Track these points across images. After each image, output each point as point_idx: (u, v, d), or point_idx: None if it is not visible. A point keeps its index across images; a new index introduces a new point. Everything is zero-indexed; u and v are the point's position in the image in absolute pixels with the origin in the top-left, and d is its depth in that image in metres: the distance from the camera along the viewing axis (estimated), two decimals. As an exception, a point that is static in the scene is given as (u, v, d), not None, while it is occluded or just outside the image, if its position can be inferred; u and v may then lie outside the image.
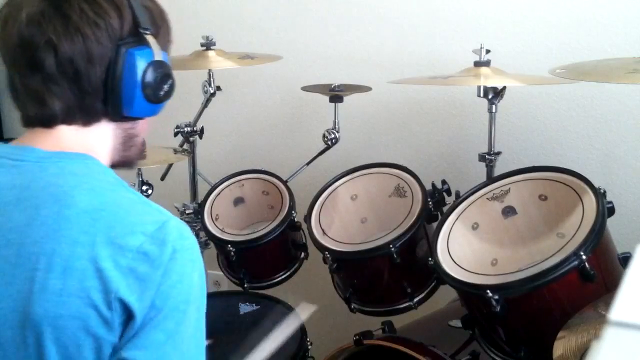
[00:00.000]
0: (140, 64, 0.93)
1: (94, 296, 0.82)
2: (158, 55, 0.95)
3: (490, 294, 1.23)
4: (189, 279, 0.88)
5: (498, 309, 1.23)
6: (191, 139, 1.99)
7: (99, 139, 0.96)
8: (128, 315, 0.84)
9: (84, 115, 0.93)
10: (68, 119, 0.93)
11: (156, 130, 2.37)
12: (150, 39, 0.94)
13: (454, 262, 1.38)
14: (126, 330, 0.85)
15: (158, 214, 0.89)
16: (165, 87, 0.97)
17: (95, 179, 0.91)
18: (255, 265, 1.82)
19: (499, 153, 1.65)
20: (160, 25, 0.99)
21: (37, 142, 0.93)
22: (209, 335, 1.37)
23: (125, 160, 1.03)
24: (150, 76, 0.94)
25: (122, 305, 0.83)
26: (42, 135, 0.93)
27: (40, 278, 0.83)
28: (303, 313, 1.47)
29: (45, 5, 0.89)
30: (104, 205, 0.87)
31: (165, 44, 1.00)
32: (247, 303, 1.78)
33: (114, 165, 1.00)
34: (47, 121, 0.93)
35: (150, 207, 0.90)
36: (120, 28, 0.91)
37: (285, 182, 1.86)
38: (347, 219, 1.74)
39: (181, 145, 2.00)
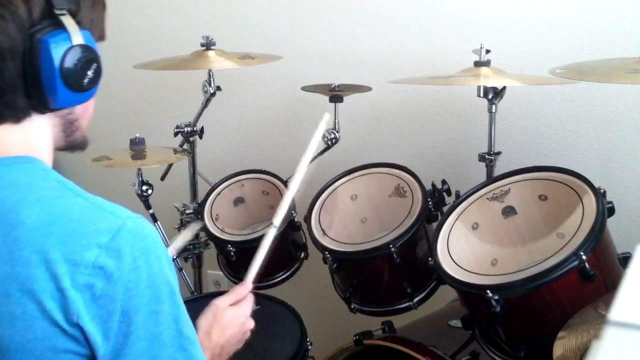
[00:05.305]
0: (56, 52, 0.84)
1: (57, 316, 0.79)
2: (77, 39, 0.85)
3: (490, 294, 1.23)
4: (159, 277, 0.84)
5: (498, 309, 1.23)
6: (191, 139, 1.99)
7: (37, 133, 0.89)
8: (85, 335, 0.80)
9: (11, 112, 0.86)
10: None
11: (156, 130, 2.38)
12: (67, 20, 0.84)
13: (454, 262, 1.38)
14: (93, 346, 0.81)
15: (112, 218, 0.83)
16: (89, 73, 0.88)
17: (39, 187, 0.84)
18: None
19: (499, 153, 1.65)
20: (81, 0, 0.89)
21: None
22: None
23: (71, 145, 0.96)
24: (69, 63, 0.85)
25: (80, 325, 0.80)
26: None
27: (0, 304, 0.79)
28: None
29: None
30: (53, 218, 0.81)
31: (89, 21, 0.90)
32: (247, 303, 1.77)
33: (62, 150, 0.94)
34: None
35: (102, 210, 0.84)
36: (28, 15, 0.82)
37: (285, 182, 1.86)
38: (347, 219, 1.73)
39: (181, 145, 2.00)
